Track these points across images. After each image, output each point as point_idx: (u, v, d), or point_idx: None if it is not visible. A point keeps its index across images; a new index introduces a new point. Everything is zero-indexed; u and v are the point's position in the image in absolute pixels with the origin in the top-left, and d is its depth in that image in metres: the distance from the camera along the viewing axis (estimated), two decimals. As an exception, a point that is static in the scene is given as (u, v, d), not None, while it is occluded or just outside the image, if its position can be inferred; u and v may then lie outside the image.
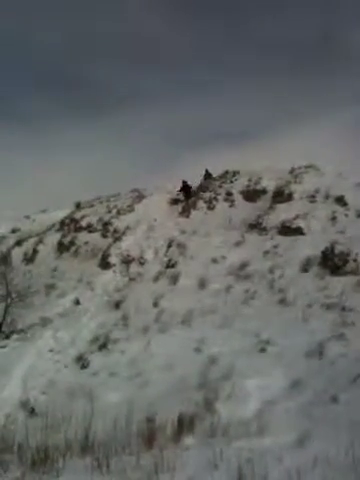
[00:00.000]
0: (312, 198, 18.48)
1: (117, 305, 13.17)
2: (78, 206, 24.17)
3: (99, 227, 19.96)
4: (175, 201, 21.89)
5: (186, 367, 8.79)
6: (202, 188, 22.47)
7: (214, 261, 15.03)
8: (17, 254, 19.49)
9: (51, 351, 10.97)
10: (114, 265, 16.29)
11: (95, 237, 19.20)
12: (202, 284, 13.47)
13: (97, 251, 17.80)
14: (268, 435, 5.64)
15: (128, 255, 16.67)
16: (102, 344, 10.88)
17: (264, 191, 20.40)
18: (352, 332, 9.24)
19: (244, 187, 21.13)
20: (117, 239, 18.29)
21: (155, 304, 12.73)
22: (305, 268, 13.31)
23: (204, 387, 7.87)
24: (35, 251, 19.30)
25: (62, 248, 19.11)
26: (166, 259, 15.96)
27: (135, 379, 8.99)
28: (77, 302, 13.90)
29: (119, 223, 19.83)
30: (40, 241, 19.93)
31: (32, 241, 20.24)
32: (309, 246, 14.42)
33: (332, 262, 13.16)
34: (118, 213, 20.98)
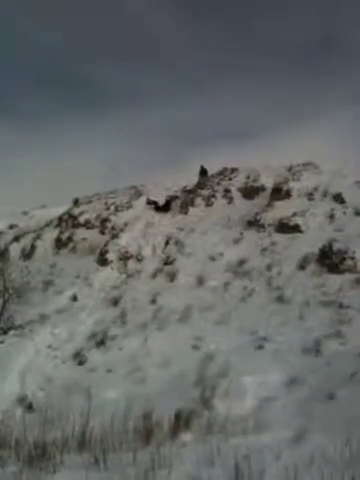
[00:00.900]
0: (310, 196, 18.51)
1: (115, 302, 13.17)
2: (76, 202, 24.11)
3: (97, 224, 19.95)
4: (173, 198, 21.87)
5: (183, 364, 8.82)
6: (200, 185, 22.45)
7: (212, 258, 15.05)
8: (15, 250, 19.45)
9: (49, 347, 10.97)
10: (112, 262, 16.27)
11: (93, 234, 19.19)
12: (200, 281, 13.49)
13: (95, 248, 17.78)
14: (265, 432, 5.66)
15: (126, 252, 16.66)
16: (100, 341, 10.89)
17: (262, 188, 20.41)
18: (349, 329, 9.28)
19: (242, 184, 21.14)
20: (115, 236, 18.27)
21: (153, 301, 12.74)
22: (303, 265, 13.34)
23: (201, 384, 7.89)
24: (33, 247, 19.27)
25: (60, 244, 19.09)
26: (164, 256, 15.97)
27: (133, 376, 9.00)
28: (75, 298, 13.89)
29: (117, 220, 19.82)
30: (38, 237, 19.90)
31: (30, 237, 20.20)
32: (307, 244, 14.44)
33: (330, 260, 13.19)
34: (116, 210, 20.96)
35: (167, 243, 16.83)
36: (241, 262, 14.27)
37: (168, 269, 14.92)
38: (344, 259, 13.02)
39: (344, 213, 16.60)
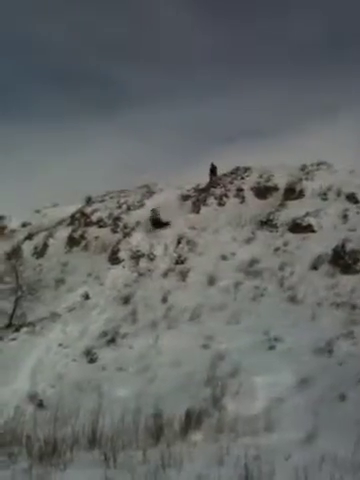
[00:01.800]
0: (323, 195, 18.36)
1: (126, 300, 13.20)
2: (88, 201, 24.22)
3: (109, 222, 20.02)
4: (185, 197, 21.84)
5: (194, 363, 8.80)
6: (213, 184, 22.39)
7: (224, 258, 15.00)
8: (28, 248, 19.62)
9: (60, 345, 11.04)
10: (123, 260, 16.32)
11: (105, 232, 19.26)
12: (211, 280, 13.45)
13: (107, 246, 17.85)
14: (275, 432, 5.64)
15: (138, 250, 16.68)
16: (111, 339, 10.92)
17: (275, 188, 20.29)
18: (362, 331, 9.18)
19: (255, 184, 21.03)
20: (127, 234, 18.32)
21: (164, 300, 12.74)
22: (315, 266, 13.24)
23: (212, 383, 7.87)
24: (45, 245, 19.41)
25: (72, 242, 19.20)
26: (175, 255, 15.96)
27: (143, 374, 9.02)
28: (86, 297, 13.95)
29: (129, 218, 19.86)
30: (50, 235, 20.04)
31: (42, 235, 20.35)
32: (320, 244, 14.33)
33: (343, 260, 13.07)
34: (128, 208, 21.01)
35: (179, 242, 16.82)
36: (253, 262, 14.21)
37: (179, 268, 14.91)
38: (357, 259, 12.90)
39: (358, 213, 16.43)
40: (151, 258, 16.27)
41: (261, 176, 21.50)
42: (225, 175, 23.40)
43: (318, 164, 21.81)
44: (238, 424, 5.87)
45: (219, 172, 23.61)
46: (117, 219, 20.07)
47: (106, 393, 8.10)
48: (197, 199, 21.06)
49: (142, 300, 12.96)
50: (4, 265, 17.01)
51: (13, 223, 24.00)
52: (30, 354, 10.46)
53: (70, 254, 18.48)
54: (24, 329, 11.93)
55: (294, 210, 17.22)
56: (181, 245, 16.60)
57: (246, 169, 23.09)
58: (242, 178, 22.09)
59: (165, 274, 14.83)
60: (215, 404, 7.02)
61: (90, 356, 10.26)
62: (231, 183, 21.78)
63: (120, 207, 21.36)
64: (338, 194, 18.15)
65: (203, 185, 22.72)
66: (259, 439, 5.38)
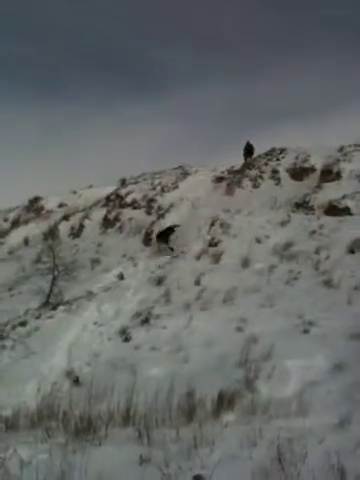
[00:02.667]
0: (362, 177, 17.85)
1: (159, 282, 13.30)
2: (123, 182, 24.40)
3: (143, 204, 20.12)
4: (220, 179, 21.69)
5: (227, 345, 8.82)
6: (247, 166, 22.11)
7: (258, 240, 14.87)
8: (64, 228, 19.98)
9: (95, 324, 11.25)
10: (157, 242, 16.39)
11: (139, 214, 19.39)
12: (245, 263, 13.38)
13: (141, 228, 17.99)
14: (309, 416, 5.60)
15: (171, 232, 16.70)
16: (144, 319, 11.05)
17: (312, 169, 19.87)
18: None
19: (291, 165, 20.65)
20: (161, 216, 18.38)
21: (197, 282, 12.76)
22: (352, 249, 12.94)
23: (244, 366, 7.87)
24: (81, 226, 19.73)
25: (107, 224, 19.44)
26: (209, 237, 15.92)
27: (176, 354, 9.10)
28: (121, 277, 14.15)
29: (163, 200, 19.90)
30: (86, 216, 20.34)
31: (78, 216, 20.67)
32: (357, 227, 13.99)
33: (381, 244, 12.73)
34: (162, 190, 21.04)
35: (212, 224, 16.75)
36: (288, 245, 14.02)
37: (213, 251, 14.88)
38: None
39: None
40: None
41: (297, 157, 21.08)
42: (260, 156, 23.08)
43: (356, 145, 21.18)
44: (271, 407, 5.87)
45: (255, 153, 23.31)
46: (151, 201, 20.15)
47: (140, 372, 8.24)
48: (231, 181, 20.88)
49: (175, 282, 13.02)
50: (41, 245, 17.44)
51: (50, 204, 24.44)
52: (67, 332, 10.72)
53: (105, 235, 18.73)
54: (61, 307, 12.22)
55: (331, 192, 16.84)
56: (214, 227, 16.53)
57: (282, 150, 22.68)
58: (278, 159, 21.73)
59: (198, 256, 14.83)
60: (248, 386, 7.02)
61: (124, 335, 10.43)
62: (266, 164, 21.46)
63: (154, 189, 21.42)
64: (377, 176, 17.63)
65: (238, 167, 22.48)
66: (292, 422, 5.36)
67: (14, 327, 11.23)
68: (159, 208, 19.46)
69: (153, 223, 17.75)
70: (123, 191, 21.94)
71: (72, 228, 19.88)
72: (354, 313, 9.46)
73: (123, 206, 20.43)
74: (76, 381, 8.51)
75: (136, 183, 23.07)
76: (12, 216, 23.48)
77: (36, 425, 5.15)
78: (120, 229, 18.84)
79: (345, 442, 4.45)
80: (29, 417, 5.54)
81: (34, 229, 20.76)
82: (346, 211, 15.59)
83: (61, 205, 24.22)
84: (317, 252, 13.20)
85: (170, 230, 16.03)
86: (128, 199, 20.78)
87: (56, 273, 13.63)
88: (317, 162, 20.05)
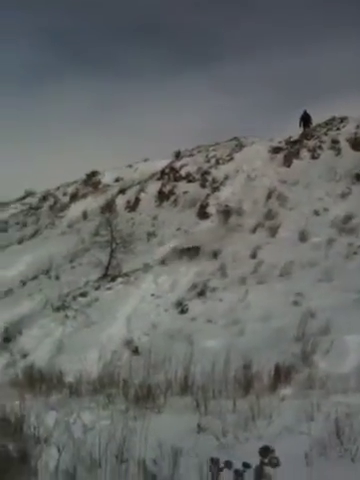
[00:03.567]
0: None
1: (215, 255, 13.31)
2: (178, 155, 24.31)
3: (198, 177, 20.02)
4: (276, 150, 21.13)
5: (283, 319, 8.77)
6: (306, 136, 21.38)
7: (316, 213, 14.48)
8: (121, 202, 20.30)
9: (152, 295, 11.50)
10: (212, 215, 16.36)
11: (194, 187, 19.33)
12: (303, 237, 13.11)
13: (195, 201, 17.96)
14: (368, 392, 5.50)
15: (226, 205, 16.61)
16: (200, 292, 11.17)
17: (374, 139, 18.94)
18: None
19: (352, 135, 19.75)
20: (216, 189, 18.25)
21: (253, 255, 12.68)
22: None
23: (301, 340, 7.82)
24: (137, 199, 19.95)
25: (162, 197, 19.54)
26: (265, 210, 15.68)
27: (232, 327, 9.17)
28: (176, 250, 14.27)
29: (218, 173, 19.71)
30: (142, 190, 20.53)
31: (134, 190, 20.91)
32: None
33: None
34: (217, 162, 20.81)
35: (269, 197, 16.46)
36: (347, 218, 13.58)
37: (269, 224, 14.66)
38: None
39: None
40: (240, 213, 16.14)
41: (358, 126, 20.13)
42: (319, 126, 22.20)
43: None
44: (329, 382, 5.81)
45: (313, 123, 22.47)
46: (206, 173, 20.00)
47: (196, 343, 8.37)
48: (289, 152, 20.28)
49: (231, 255, 12.99)
50: (99, 218, 17.87)
51: (106, 178, 24.83)
52: (125, 303, 11.05)
53: (160, 208, 18.87)
54: (119, 279, 12.55)
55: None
56: (271, 200, 16.24)
57: (342, 119, 21.70)
58: (338, 129, 20.82)
59: (254, 229, 14.67)
60: (305, 360, 6.99)
61: (181, 307, 10.61)
62: (326, 134, 20.65)
63: (209, 161, 21.22)
64: None
65: (296, 137, 21.79)
66: (350, 398, 5.28)
67: (75, 298, 11.70)
68: (214, 181, 19.30)
69: (208, 196, 17.66)
70: (178, 164, 21.89)
71: (128, 202, 20.16)
72: None
73: (178, 179, 20.42)
74: (135, 350, 8.80)
75: (191, 156, 22.93)
76: (71, 190, 24.11)
77: (98, 392, 5.39)
78: (175, 202, 18.90)
79: None
80: (91, 384, 5.80)
81: (92, 203, 21.25)
82: None
83: (117, 179, 24.52)
84: (378, 225, 12.72)
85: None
86: (182, 172, 20.73)
87: (114, 246, 13.96)
88: (380, 131, 19.09)
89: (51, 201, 23.14)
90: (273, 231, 14.04)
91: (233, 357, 6.54)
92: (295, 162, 19.11)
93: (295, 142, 21.23)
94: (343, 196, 15.30)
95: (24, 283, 13.98)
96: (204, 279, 11.84)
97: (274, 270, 11.44)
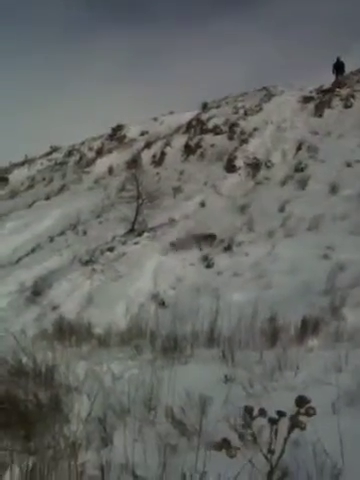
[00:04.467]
0: None
1: (242, 209, 13.12)
2: (205, 107, 23.68)
3: (225, 129, 19.51)
4: (307, 99, 20.31)
5: (312, 272, 8.64)
6: (338, 84, 20.42)
7: (348, 165, 13.98)
8: (146, 157, 20.08)
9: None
10: (240, 168, 16.02)
11: (221, 139, 18.89)
12: (333, 189, 12.73)
13: (223, 154, 17.57)
14: None
15: (255, 158, 16.22)
16: (227, 246, 11.08)
17: None
18: None
19: (388, 81, 18.78)
20: (244, 141, 17.79)
21: (281, 209, 12.43)
22: None
23: (330, 293, 7.70)
24: (163, 154, 19.68)
25: (188, 151, 19.20)
26: (295, 162, 15.24)
27: (258, 280, 9.10)
28: (203, 205, 14.13)
29: (246, 124, 19.15)
30: (167, 144, 20.20)
31: (160, 144, 20.59)
32: None
33: None
34: (245, 114, 20.20)
35: (299, 148, 15.96)
36: (381, 169, 13.08)
37: (299, 176, 14.28)
38: None
39: None
40: (268, 166, 15.76)
41: (395, 72, 19.09)
42: (353, 73, 21.19)
43: None
44: (357, 334, 5.72)
45: (347, 71, 21.40)
46: (233, 125, 19.46)
47: (222, 296, 8.34)
48: (320, 101, 19.48)
49: (258, 209, 12.77)
50: (125, 174, 17.77)
51: (132, 132, 24.50)
52: (151, 257, 11.08)
53: (187, 162, 18.58)
54: (145, 234, 12.57)
55: None
56: (301, 151, 15.76)
57: (378, 65, 20.62)
58: (373, 76, 19.83)
59: (283, 182, 14.33)
60: (333, 313, 6.89)
61: (207, 261, 10.58)
62: (359, 82, 19.70)
63: (237, 112, 20.62)
64: None
65: (327, 86, 20.87)
66: (379, 351, 5.20)
67: (102, 252, 11.80)
68: (242, 133, 18.78)
69: (235, 149, 17.25)
70: (204, 116, 21.36)
71: (154, 156, 19.91)
72: None
73: (204, 132, 19.95)
74: (162, 304, 8.88)
75: (218, 107, 22.31)
76: (96, 145, 23.94)
77: (126, 343, 5.46)
78: (202, 156, 18.55)
79: None
80: (119, 335, 5.88)
81: (118, 158, 21.11)
82: None
83: (143, 133, 24.18)
84: None
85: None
86: (209, 124, 20.22)
87: (140, 201, 13.91)
88: None
89: (77, 156, 23.09)
90: (303, 184, 13.68)
91: (260, 310, 6.50)
92: (327, 112, 18.37)
93: (327, 91, 20.35)
94: (377, 146, 14.71)
95: (52, 239, 14.15)
96: (231, 233, 11.72)
97: (303, 223, 11.20)
